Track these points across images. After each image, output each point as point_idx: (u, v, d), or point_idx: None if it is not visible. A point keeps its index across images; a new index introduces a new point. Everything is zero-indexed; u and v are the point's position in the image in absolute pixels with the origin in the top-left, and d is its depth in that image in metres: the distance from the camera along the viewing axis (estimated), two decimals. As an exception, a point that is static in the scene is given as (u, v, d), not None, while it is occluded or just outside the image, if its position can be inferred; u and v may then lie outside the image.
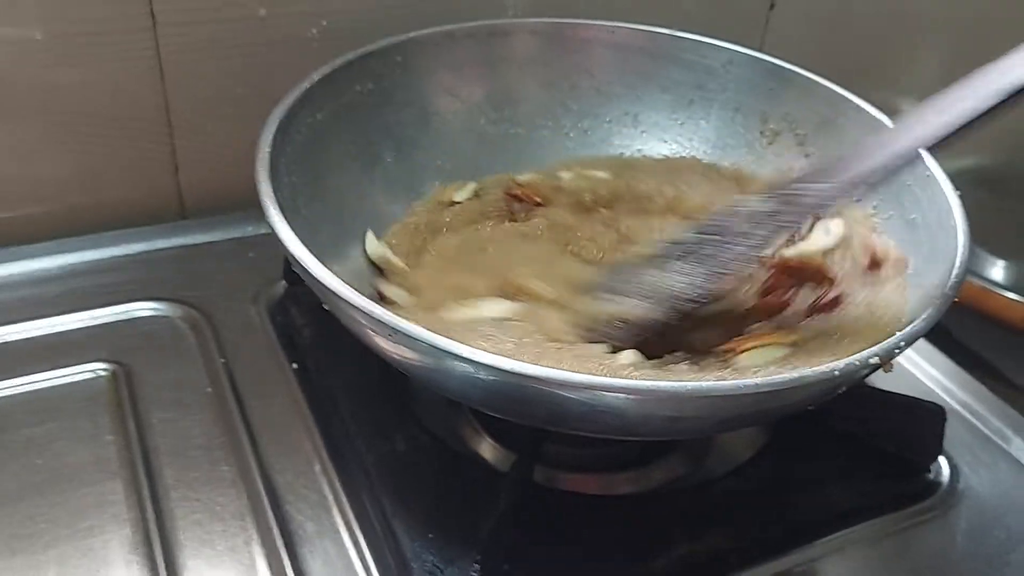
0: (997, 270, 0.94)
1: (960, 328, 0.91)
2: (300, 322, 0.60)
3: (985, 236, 0.97)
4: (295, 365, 0.58)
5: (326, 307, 0.44)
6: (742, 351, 0.48)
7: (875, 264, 0.55)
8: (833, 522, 0.52)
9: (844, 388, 0.42)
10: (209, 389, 0.56)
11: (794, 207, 0.48)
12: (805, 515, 0.52)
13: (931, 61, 0.95)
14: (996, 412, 0.61)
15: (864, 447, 0.56)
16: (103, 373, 0.56)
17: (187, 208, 0.72)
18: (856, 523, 0.52)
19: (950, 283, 0.46)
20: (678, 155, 0.68)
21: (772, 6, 0.85)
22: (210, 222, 0.69)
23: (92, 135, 0.68)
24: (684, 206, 0.63)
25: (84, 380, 0.56)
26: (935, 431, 0.55)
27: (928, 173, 0.54)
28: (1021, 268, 0.94)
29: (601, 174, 0.65)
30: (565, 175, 0.65)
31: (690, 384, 0.38)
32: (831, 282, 0.55)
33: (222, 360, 0.58)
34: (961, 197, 0.52)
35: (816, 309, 0.54)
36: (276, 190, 0.47)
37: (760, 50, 0.85)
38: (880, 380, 0.62)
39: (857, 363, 0.40)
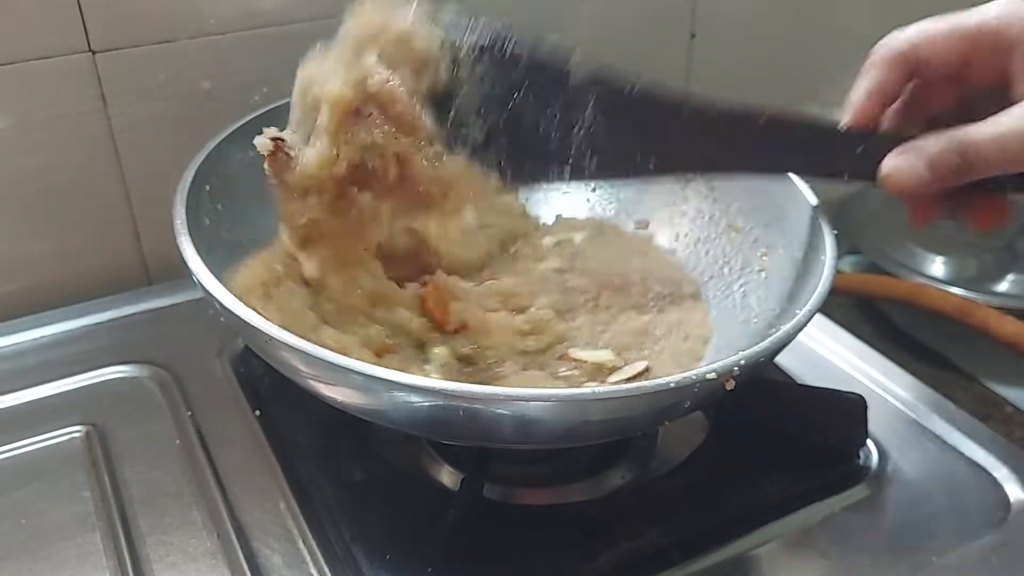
0: (937, 266, 0.99)
1: (904, 320, 0.95)
2: (260, 371, 0.64)
3: (924, 235, 1.02)
4: (258, 412, 0.61)
5: (222, 320, 0.48)
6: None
7: None
8: (768, 512, 0.55)
9: (690, 403, 0.46)
10: (178, 441, 0.59)
11: None
12: (741, 507, 0.55)
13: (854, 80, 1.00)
14: (921, 397, 0.64)
15: (795, 441, 0.59)
16: (78, 435, 0.60)
17: (152, 274, 0.76)
18: (790, 511, 0.55)
19: (795, 319, 0.48)
20: (599, 215, 0.72)
21: (693, 36, 0.90)
22: (173, 285, 0.73)
23: (58, 214, 0.72)
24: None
25: (61, 443, 0.59)
26: (858, 420, 0.58)
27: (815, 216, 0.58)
28: (956, 263, 0.98)
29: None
30: None
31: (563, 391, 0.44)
32: None
33: (189, 413, 0.61)
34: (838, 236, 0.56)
35: None
36: (194, 213, 0.52)
37: (687, 80, 0.90)
38: (810, 376, 0.66)
39: (694, 378, 0.42)
